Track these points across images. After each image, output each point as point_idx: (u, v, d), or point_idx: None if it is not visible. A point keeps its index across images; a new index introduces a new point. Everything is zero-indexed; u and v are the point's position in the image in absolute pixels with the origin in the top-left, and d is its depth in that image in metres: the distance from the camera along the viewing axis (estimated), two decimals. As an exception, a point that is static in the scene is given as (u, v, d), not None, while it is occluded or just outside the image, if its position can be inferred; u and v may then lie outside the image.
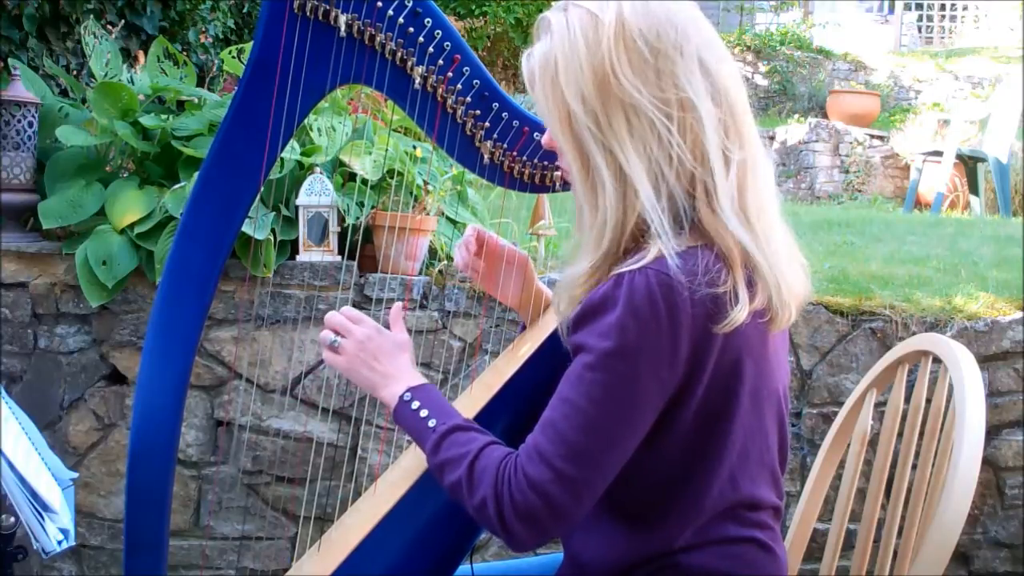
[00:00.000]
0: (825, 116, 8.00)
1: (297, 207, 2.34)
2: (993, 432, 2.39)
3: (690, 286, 1.01)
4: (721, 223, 1.05)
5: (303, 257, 2.36)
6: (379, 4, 1.25)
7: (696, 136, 1.05)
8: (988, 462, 2.40)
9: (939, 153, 6.27)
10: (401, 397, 1.18)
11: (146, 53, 2.85)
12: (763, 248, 1.07)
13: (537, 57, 1.09)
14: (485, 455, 1.09)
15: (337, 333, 1.23)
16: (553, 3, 1.12)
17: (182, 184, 2.33)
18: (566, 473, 1.03)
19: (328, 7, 1.25)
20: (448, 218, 2.58)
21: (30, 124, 2.42)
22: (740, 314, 1.02)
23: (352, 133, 2.52)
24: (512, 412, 1.33)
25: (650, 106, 1.04)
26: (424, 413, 1.15)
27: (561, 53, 1.06)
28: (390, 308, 2.33)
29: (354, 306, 2.36)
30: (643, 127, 1.04)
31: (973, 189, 6.25)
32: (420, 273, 2.42)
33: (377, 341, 1.22)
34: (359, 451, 2.39)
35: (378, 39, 1.27)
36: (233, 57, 2.66)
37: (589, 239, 1.09)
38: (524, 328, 1.50)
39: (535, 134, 1.31)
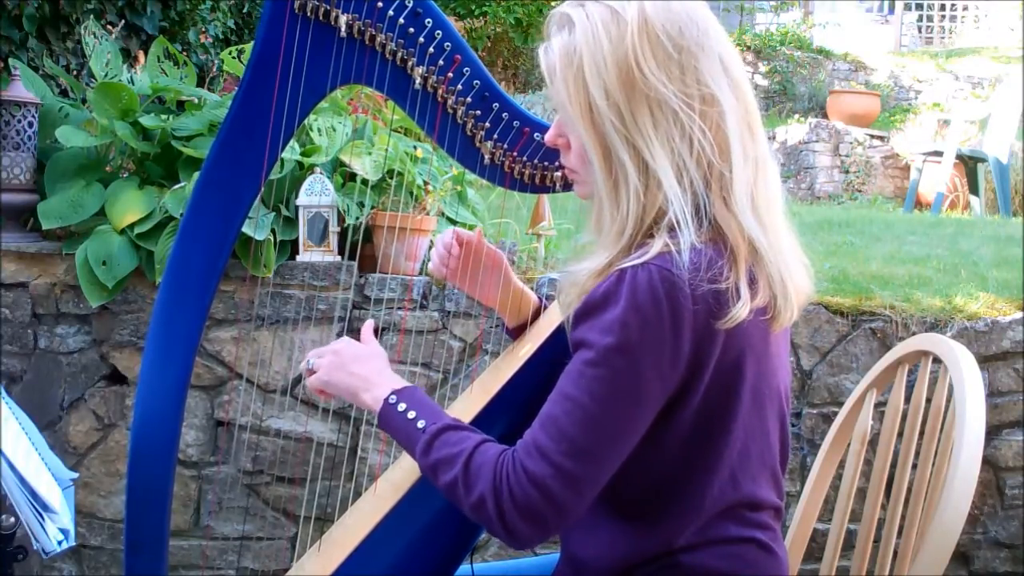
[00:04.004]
0: (825, 116, 8.00)
1: (297, 207, 2.34)
2: (993, 432, 2.40)
3: (692, 282, 1.01)
4: (734, 217, 1.05)
5: (303, 257, 2.36)
6: (379, 4, 1.25)
7: (718, 129, 1.05)
8: (988, 462, 2.40)
9: (939, 153, 6.27)
10: (386, 400, 1.17)
11: (146, 53, 2.85)
12: (772, 245, 1.07)
13: (557, 51, 1.08)
14: (480, 453, 1.08)
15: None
16: (555, 2, 1.12)
17: (182, 184, 2.33)
18: (566, 469, 1.03)
19: (329, 7, 1.25)
20: (448, 218, 2.58)
21: (30, 124, 2.42)
22: (742, 311, 1.02)
23: (352, 133, 2.52)
24: (512, 412, 1.33)
25: (675, 99, 1.04)
26: (412, 415, 1.14)
27: (585, 47, 1.06)
28: (390, 308, 2.34)
29: (354, 307, 2.37)
30: (667, 120, 1.04)
31: (973, 189, 6.25)
32: (420, 273, 2.42)
33: (352, 349, 1.23)
34: (359, 451, 2.39)
35: (378, 39, 1.27)
36: (233, 57, 2.66)
37: (609, 234, 1.08)
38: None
39: (535, 135, 1.31)
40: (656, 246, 1.03)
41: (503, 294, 1.45)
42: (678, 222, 1.03)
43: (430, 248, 2.46)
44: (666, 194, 1.04)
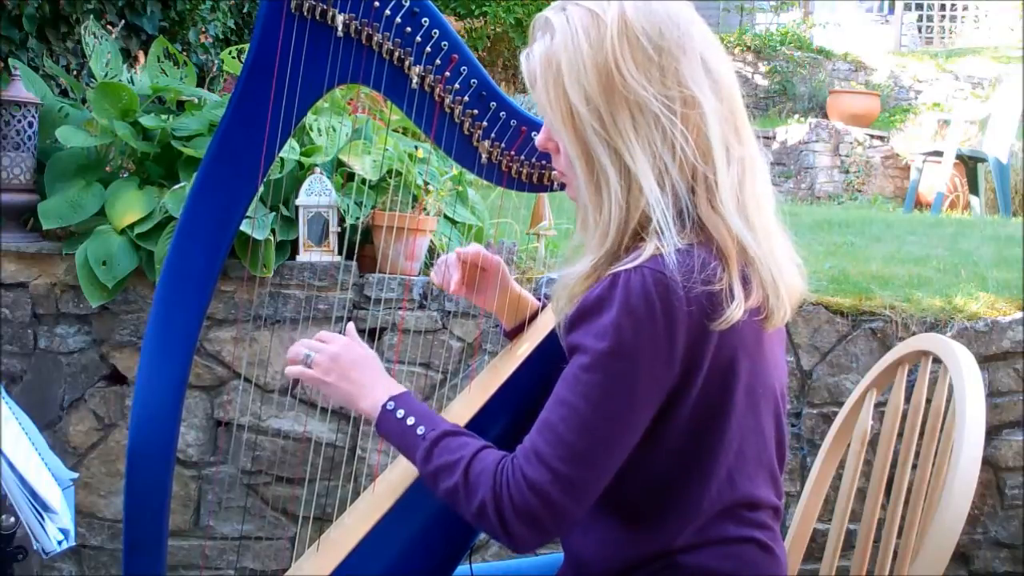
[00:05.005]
0: (825, 116, 8.00)
1: (297, 207, 2.34)
2: (993, 432, 2.39)
3: (685, 284, 1.01)
4: (721, 219, 1.05)
5: (303, 257, 2.36)
6: (376, 4, 1.26)
7: (700, 132, 1.05)
8: (988, 462, 2.39)
9: (939, 153, 6.27)
10: (384, 406, 1.17)
11: (146, 53, 2.85)
12: (762, 245, 1.07)
13: (538, 57, 1.09)
14: (480, 459, 1.09)
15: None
16: (552, 3, 1.12)
17: (182, 184, 2.33)
18: (565, 474, 1.03)
19: (325, 7, 1.25)
20: (448, 218, 2.57)
21: (30, 124, 2.42)
22: (736, 311, 1.02)
23: (352, 133, 2.52)
24: (511, 411, 1.33)
25: (655, 102, 1.04)
26: (411, 421, 1.15)
27: (564, 52, 1.06)
28: (390, 308, 2.34)
29: (354, 306, 2.37)
30: (648, 124, 1.04)
31: (973, 189, 6.25)
32: (420, 273, 2.42)
33: (349, 353, 1.22)
34: (358, 451, 2.39)
35: (375, 39, 1.27)
36: (233, 57, 2.66)
37: (593, 237, 1.08)
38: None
39: (533, 133, 1.31)
40: (648, 249, 1.03)
41: (500, 299, 1.45)
42: (659, 225, 1.03)
43: (431, 253, 2.45)
44: (647, 198, 1.04)
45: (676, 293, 1.01)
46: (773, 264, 1.08)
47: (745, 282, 1.05)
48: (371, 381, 1.21)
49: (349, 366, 1.21)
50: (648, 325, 1.01)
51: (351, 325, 1.30)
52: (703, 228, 1.05)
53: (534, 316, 1.48)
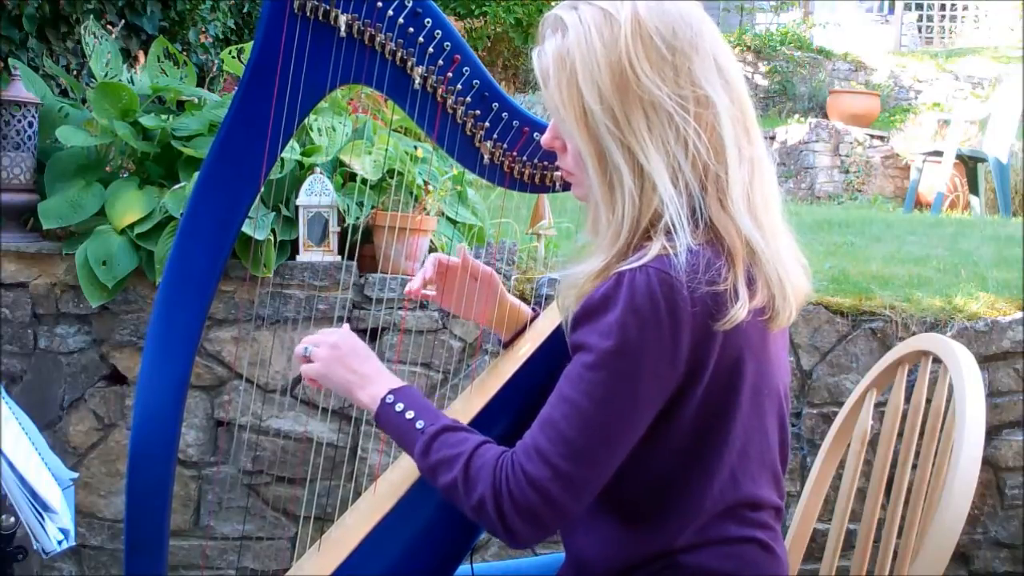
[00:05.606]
0: (825, 116, 8.00)
1: (297, 207, 2.34)
2: (993, 432, 2.40)
3: (690, 284, 1.01)
4: (731, 218, 1.05)
5: (303, 257, 2.36)
6: (379, 4, 1.26)
7: (713, 131, 1.05)
8: (988, 462, 2.40)
9: (939, 153, 6.27)
10: (383, 399, 1.17)
11: (146, 53, 2.85)
12: (770, 245, 1.07)
13: (551, 55, 1.08)
14: (479, 454, 1.09)
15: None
16: (554, 3, 1.12)
17: (182, 184, 2.33)
18: (565, 471, 1.03)
19: (328, 7, 1.25)
20: (448, 218, 2.58)
21: (30, 124, 2.42)
22: (740, 312, 1.03)
23: (352, 133, 2.52)
24: (512, 412, 1.33)
25: (669, 101, 1.04)
26: (410, 415, 1.15)
27: (577, 50, 1.05)
28: (390, 308, 2.34)
29: (354, 306, 2.37)
30: (661, 123, 1.04)
31: (973, 189, 6.25)
32: (420, 273, 2.42)
33: (350, 344, 1.23)
34: (359, 451, 2.39)
35: (378, 39, 1.27)
36: (233, 57, 2.66)
37: (605, 237, 1.08)
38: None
39: (535, 134, 1.31)
40: (654, 249, 1.03)
41: (500, 310, 1.44)
42: (673, 224, 1.03)
43: (431, 249, 2.45)
44: (661, 196, 1.04)
45: (681, 293, 1.01)
46: (780, 264, 1.08)
47: (750, 282, 1.05)
48: (371, 373, 1.21)
49: (349, 354, 1.22)
50: (653, 325, 1.01)
51: (346, 326, 1.29)
52: (713, 227, 1.05)
53: (531, 321, 1.47)
